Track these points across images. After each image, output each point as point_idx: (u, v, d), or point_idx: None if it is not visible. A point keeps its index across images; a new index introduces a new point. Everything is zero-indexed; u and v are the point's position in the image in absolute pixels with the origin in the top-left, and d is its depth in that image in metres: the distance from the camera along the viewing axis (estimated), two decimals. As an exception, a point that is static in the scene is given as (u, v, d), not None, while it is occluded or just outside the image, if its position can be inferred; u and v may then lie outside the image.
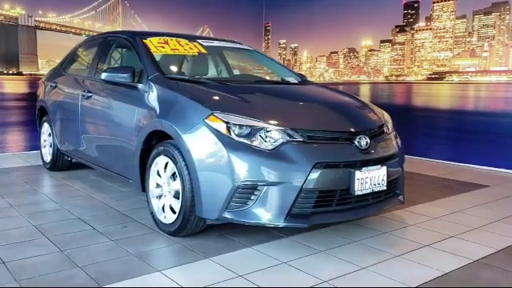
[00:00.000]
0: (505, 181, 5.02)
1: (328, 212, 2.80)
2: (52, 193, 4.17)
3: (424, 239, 3.10)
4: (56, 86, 4.83)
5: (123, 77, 3.43)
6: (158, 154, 3.12)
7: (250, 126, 2.74)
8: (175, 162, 2.94)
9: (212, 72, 4.54)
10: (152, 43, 3.78)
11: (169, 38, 3.98)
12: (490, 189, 4.62)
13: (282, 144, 2.70)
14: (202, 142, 2.78)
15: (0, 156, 6.26)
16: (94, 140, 4.04)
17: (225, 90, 3.21)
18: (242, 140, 2.71)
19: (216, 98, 3.05)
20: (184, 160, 2.87)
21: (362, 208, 2.93)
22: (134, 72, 3.45)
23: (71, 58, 5.02)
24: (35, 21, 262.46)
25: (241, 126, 2.75)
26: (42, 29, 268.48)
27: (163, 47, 3.79)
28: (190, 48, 3.99)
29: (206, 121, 2.80)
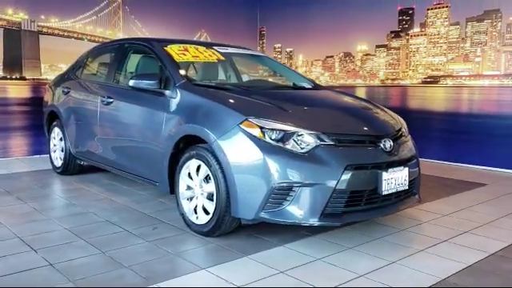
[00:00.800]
0: (500, 179, 5.30)
1: (357, 211, 2.98)
2: (72, 197, 4.25)
3: (441, 235, 3.31)
4: (69, 92, 4.89)
5: (150, 83, 3.55)
6: (190, 158, 3.24)
7: (283, 131, 2.90)
8: (209, 165, 3.07)
9: (228, 78, 4.70)
10: (173, 50, 3.91)
11: (187, 46, 4.11)
12: (488, 187, 4.88)
13: (315, 147, 2.87)
14: (237, 146, 2.92)
15: (4, 161, 6.26)
16: (116, 144, 4.14)
17: (253, 96, 3.36)
18: (276, 144, 2.87)
19: (248, 103, 3.20)
20: (218, 163, 3.01)
21: (386, 207, 3.13)
22: (161, 79, 3.57)
23: (83, 63, 5.09)
24: (38, 26, 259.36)
25: (274, 130, 2.90)
26: (44, 34, 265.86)
27: (184, 54, 3.92)
28: (209, 55, 4.13)
29: (240, 126, 2.94)
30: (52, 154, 5.29)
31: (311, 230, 3.32)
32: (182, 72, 3.66)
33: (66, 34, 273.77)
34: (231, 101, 3.21)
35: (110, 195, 4.30)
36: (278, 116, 3.02)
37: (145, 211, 3.81)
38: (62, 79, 5.29)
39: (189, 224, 3.30)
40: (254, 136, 2.89)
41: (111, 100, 4.13)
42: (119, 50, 4.42)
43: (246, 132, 2.92)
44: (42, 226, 3.41)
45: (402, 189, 3.15)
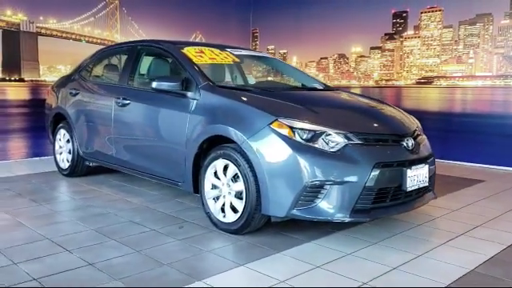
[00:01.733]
0: (496, 176, 5.53)
1: (384, 207, 3.11)
2: (86, 198, 4.25)
3: (456, 229, 3.47)
4: (78, 94, 4.88)
5: (174, 85, 3.60)
6: (216, 158, 3.32)
7: (313, 131, 3.01)
8: (238, 165, 3.15)
9: (234, 79, 4.78)
10: (190, 53, 3.97)
11: (202, 48, 4.17)
12: (487, 183, 5.10)
13: (344, 146, 2.99)
14: (268, 146, 3.01)
15: (4, 163, 6.18)
16: (133, 145, 4.17)
17: (277, 97, 3.45)
18: (307, 143, 2.97)
19: (275, 104, 3.29)
20: (248, 162, 3.09)
21: (408, 203, 3.27)
22: (183, 80, 3.63)
23: (91, 65, 5.08)
24: (36, 27, 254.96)
25: (304, 130, 3.00)
26: (43, 35, 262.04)
27: (201, 56, 3.98)
28: (225, 57, 4.21)
29: (271, 126, 3.03)
30: (57, 156, 5.26)
31: (334, 227, 3.43)
32: (205, 74, 3.72)
33: (64, 35, 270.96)
34: (259, 102, 3.30)
35: (125, 196, 4.33)
36: (306, 116, 3.13)
37: (165, 211, 3.85)
38: (66, 81, 5.27)
39: (215, 223, 3.37)
40: (285, 136, 2.99)
41: (127, 101, 4.15)
42: (132, 53, 4.43)
43: (276, 132, 3.01)
44: (67, 227, 3.43)
45: (423, 185, 3.30)
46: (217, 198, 3.38)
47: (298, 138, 2.98)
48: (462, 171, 5.78)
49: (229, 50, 4.39)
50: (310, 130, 3.00)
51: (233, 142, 3.22)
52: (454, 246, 3.11)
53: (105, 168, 5.07)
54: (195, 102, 3.55)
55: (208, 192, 3.42)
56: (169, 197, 4.31)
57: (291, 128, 3.00)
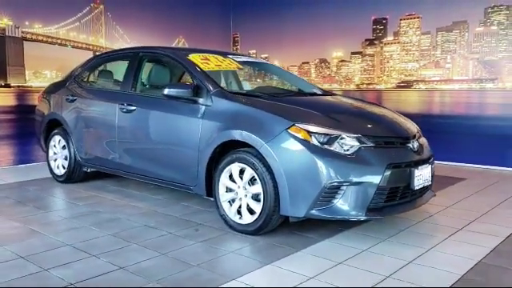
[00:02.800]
0: (476, 173, 5.88)
1: (394, 205, 3.32)
2: (91, 204, 4.27)
3: (455, 224, 3.72)
4: (75, 100, 4.88)
5: (185, 92, 3.71)
6: (232, 162, 3.44)
7: (328, 135, 3.18)
8: (255, 168, 3.29)
9: (229, 85, 4.90)
10: (196, 60, 4.07)
11: (206, 55, 4.28)
12: (469, 181, 5.42)
13: (358, 149, 3.18)
14: (287, 150, 3.16)
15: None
16: (139, 151, 4.22)
17: (289, 103, 3.61)
18: (323, 147, 3.14)
19: (290, 110, 3.44)
20: (265, 166, 3.24)
21: (413, 201, 3.50)
22: (194, 87, 3.73)
23: (87, 71, 5.08)
24: (22, 32, 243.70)
25: (320, 134, 3.17)
26: (28, 40, 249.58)
27: (208, 63, 4.09)
28: (229, 64, 4.33)
29: (288, 131, 3.19)
30: (52, 163, 5.23)
31: (343, 225, 3.62)
32: (215, 80, 3.83)
33: (50, 40, 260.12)
34: (274, 108, 3.44)
35: (129, 201, 4.37)
36: (321, 121, 3.30)
37: (175, 214, 3.94)
38: (59, 87, 5.24)
39: (231, 225, 3.49)
40: (303, 140, 3.15)
41: (133, 108, 4.20)
42: (134, 59, 4.47)
43: (294, 136, 3.16)
44: (84, 233, 3.46)
45: (427, 184, 3.53)
46: (232, 201, 3.51)
47: (315, 142, 3.14)
48: (443, 170, 6.09)
49: (230, 56, 4.51)
50: (325, 134, 3.18)
51: (248, 146, 3.36)
52: (457, 240, 3.35)
53: (100, 173, 5.10)
54: (207, 107, 3.66)
55: (223, 195, 3.54)
56: (173, 200, 4.39)
57: (308, 132, 3.17)
